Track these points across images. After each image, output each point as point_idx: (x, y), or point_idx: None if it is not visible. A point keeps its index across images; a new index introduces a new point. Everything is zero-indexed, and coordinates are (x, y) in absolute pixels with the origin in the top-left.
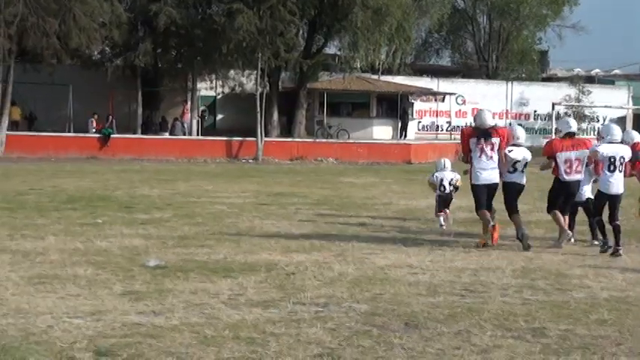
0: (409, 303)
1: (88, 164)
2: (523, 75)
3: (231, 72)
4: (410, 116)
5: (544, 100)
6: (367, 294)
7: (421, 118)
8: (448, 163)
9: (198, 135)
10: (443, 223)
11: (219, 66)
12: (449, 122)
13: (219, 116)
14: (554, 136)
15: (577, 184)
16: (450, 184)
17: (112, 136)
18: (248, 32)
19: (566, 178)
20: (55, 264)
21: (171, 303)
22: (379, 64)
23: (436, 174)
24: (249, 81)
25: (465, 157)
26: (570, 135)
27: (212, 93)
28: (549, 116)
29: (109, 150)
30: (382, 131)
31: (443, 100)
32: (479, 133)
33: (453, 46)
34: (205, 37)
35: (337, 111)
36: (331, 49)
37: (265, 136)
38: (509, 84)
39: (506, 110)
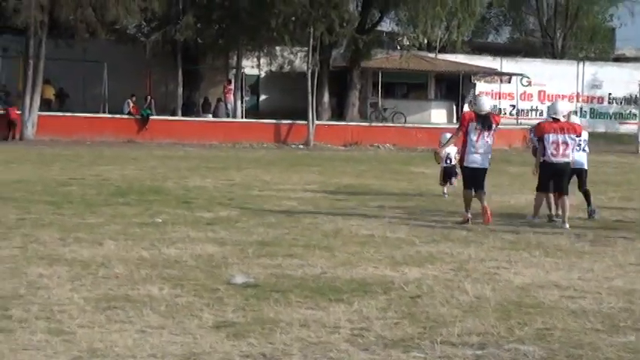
0: (593, 345)
1: (127, 149)
2: (592, 54)
3: (278, 49)
4: (469, 98)
5: (618, 82)
6: (528, 329)
7: None
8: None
9: (242, 117)
10: (446, 192)
11: (266, 42)
12: (513, 106)
13: (263, 97)
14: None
15: (565, 165)
16: (454, 157)
17: (150, 117)
18: (300, 4)
19: (553, 159)
20: (122, 280)
21: (281, 342)
22: (437, 41)
23: (445, 149)
24: (296, 59)
25: (455, 138)
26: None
27: (255, 72)
28: (626, 99)
29: (147, 133)
30: (441, 115)
31: (509, 82)
32: (480, 119)
33: (514, 22)
34: (252, 10)
35: (392, 92)
36: (386, 25)
37: (316, 119)
38: (581, 64)
39: (577, 93)
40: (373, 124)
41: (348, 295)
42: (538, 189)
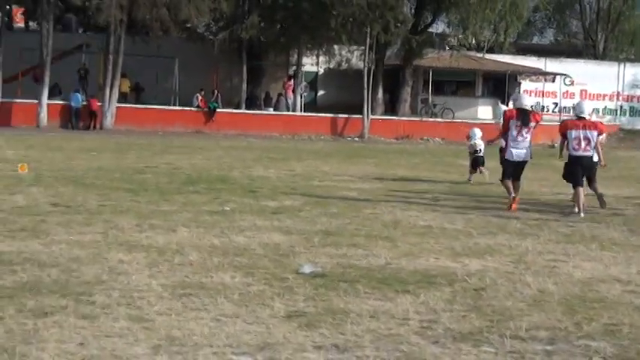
0: None
1: (195, 139)
2: (632, 56)
3: (336, 47)
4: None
5: None
6: (595, 325)
7: None
8: (479, 132)
9: (301, 111)
10: (472, 179)
11: (325, 41)
12: (555, 103)
13: (320, 92)
14: None
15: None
16: (482, 149)
17: (217, 110)
18: (358, 6)
19: (575, 153)
20: (196, 267)
21: (353, 333)
22: (485, 42)
23: (475, 141)
24: (353, 57)
25: (499, 136)
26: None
27: (314, 68)
28: None
29: (213, 125)
30: (487, 111)
31: (553, 81)
32: (520, 116)
33: (558, 25)
34: (313, 11)
35: (441, 89)
36: (438, 27)
37: (370, 113)
38: (621, 65)
39: (617, 92)
40: (424, 119)
41: (413, 287)
42: (572, 182)
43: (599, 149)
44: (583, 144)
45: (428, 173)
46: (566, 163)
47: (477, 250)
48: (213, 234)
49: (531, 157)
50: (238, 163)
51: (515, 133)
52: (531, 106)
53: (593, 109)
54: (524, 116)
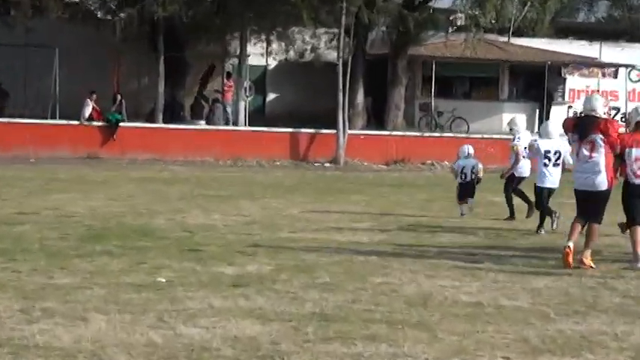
0: None
1: (89, 168)
2: None
3: (295, 30)
4: (557, 99)
5: None
6: None
7: (573, 101)
8: (471, 150)
9: (246, 125)
10: (464, 212)
11: (279, 20)
12: (617, 109)
13: (271, 95)
14: None
15: None
16: (471, 172)
17: (120, 124)
18: None
19: (636, 181)
20: None
21: None
22: (511, 20)
23: (459, 162)
24: (320, 44)
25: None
26: None
27: (261, 61)
28: None
29: (115, 146)
30: (518, 121)
31: (615, 76)
32: (578, 125)
33: None
34: None
35: (449, 90)
36: (444, 0)
37: (348, 127)
38: None
39: None
40: (425, 134)
41: None
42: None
43: None
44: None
45: (446, 215)
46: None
47: (565, 342)
48: (148, 324)
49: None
50: (162, 205)
51: (576, 151)
52: (607, 113)
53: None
54: (583, 125)
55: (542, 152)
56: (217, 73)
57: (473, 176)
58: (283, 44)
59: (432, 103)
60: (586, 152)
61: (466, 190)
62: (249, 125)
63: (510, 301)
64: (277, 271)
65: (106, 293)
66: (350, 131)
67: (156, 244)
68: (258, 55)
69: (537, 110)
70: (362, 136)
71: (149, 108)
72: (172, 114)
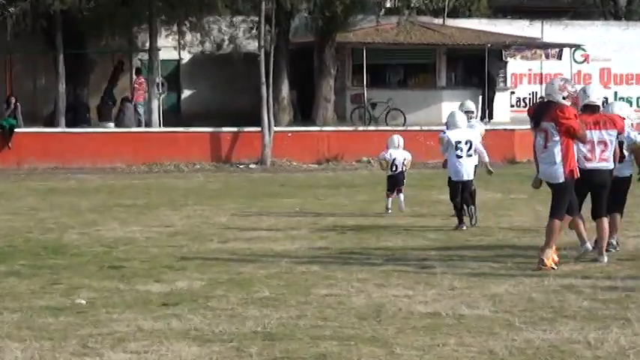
0: None
1: None
2: None
3: (210, 19)
4: (499, 84)
5: None
6: None
7: (515, 86)
8: (401, 141)
9: (160, 125)
10: (389, 206)
11: (193, 10)
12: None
13: (186, 92)
14: None
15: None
16: (402, 163)
17: (15, 130)
18: None
19: (587, 165)
20: None
21: None
22: (445, 1)
23: (390, 151)
24: (237, 33)
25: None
26: (592, 108)
27: (173, 55)
28: None
29: (10, 154)
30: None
31: (559, 57)
32: (534, 112)
33: None
34: None
35: (382, 79)
36: None
37: (273, 123)
38: None
39: None
40: (359, 128)
41: None
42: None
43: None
44: (598, 151)
45: (391, 217)
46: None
47: (534, 353)
48: (71, 351)
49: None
50: (73, 218)
51: (533, 140)
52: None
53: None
54: (537, 111)
55: (453, 144)
56: (125, 70)
57: (403, 167)
58: (198, 35)
59: (365, 94)
60: (541, 141)
61: (397, 181)
62: (163, 126)
63: (471, 309)
64: (210, 286)
65: (19, 318)
66: (276, 128)
67: (70, 261)
68: (170, 48)
69: (480, 97)
70: (289, 134)
71: (48, 111)
72: (76, 116)
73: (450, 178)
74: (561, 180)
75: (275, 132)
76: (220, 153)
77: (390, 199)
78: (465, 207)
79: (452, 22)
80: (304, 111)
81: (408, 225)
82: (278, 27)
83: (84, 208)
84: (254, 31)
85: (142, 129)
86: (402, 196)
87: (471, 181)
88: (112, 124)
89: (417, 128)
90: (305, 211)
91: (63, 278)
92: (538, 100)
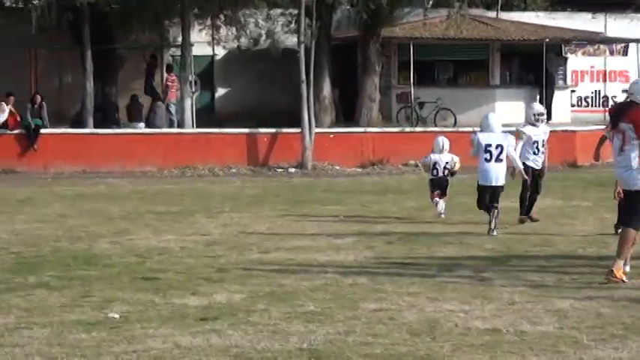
0: None
1: (6, 185)
2: None
3: (246, 13)
4: (558, 82)
5: None
6: None
7: (576, 84)
8: (447, 144)
9: (194, 126)
10: (441, 210)
11: (228, 3)
12: (626, 91)
13: (221, 91)
14: None
15: None
16: (445, 167)
17: (41, 131)
18: None
19: None
20: None
21: None
22: None
23: (431, 155)
24: (276, 27)
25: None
26: None
27: (207, 50)
28: None
29: (37, 156)
30: (513, 110)
31: (625, 53)
32: (614, 113)
33: None
34: None
35: (430, 76)
36: None
37: (315, 124)
38: None
39: None
40: (406, 129)
41: None
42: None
43: None
44: None
45: (444, 226)
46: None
47: None
48: None
49: None
50: (103, 226)
51: (613, 143)
52: None
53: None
54: (617, 112)
55: (483, 146)
56: (156, 66)
57: (445, 172)
58: (233, 30)
59: (412, 93)
60: (618, 144)
61: (439, 185)
62: (196, 127)
63: (533, 325)
64: (251, 299)
65: (50, 334)
66: (317, 129)
67: (102, 272)
68: (204, 43)
69: (537, 97)
70: (331, 135)
71: (75, 110)
72: (104, 117)
73: (478, 183)
74: (638, 187)
75: (316, 133)
76: (257, 156)
77: (438, 199)
78: (488, 213)
79: (506, 16)
80: (347, 111)
81: (462, 233)
82: (319, 21)
83: (114, 215)
84: (293, 25)
85: (174, 130)
86: (442, 201)
87: (501, 187)
88: (142, 125)
89: (469, 129)
90: (350, 219)
91: (94, 290)
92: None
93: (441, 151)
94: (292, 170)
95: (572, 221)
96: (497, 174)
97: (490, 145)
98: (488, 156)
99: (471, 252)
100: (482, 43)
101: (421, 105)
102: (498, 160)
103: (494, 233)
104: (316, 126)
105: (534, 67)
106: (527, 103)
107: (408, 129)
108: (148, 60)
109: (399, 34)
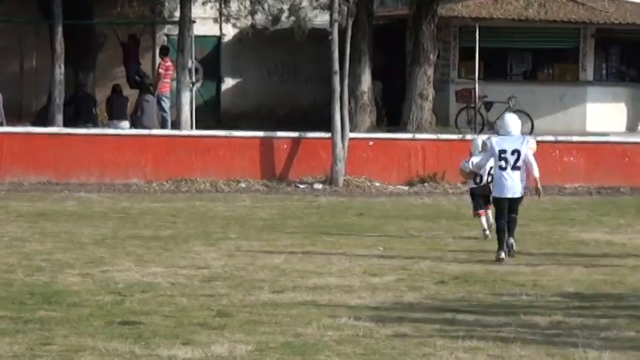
0: None
1: None
2: None
3: None
4: None
5: None
6: None
7: None
8: (488, 142)
9: (193, 128)
10: (486, 228)
11: None
12: None
13: (229, 82)
14: None
15: None
16: (489, 173)
17: None
18: None
19: None
20: None
21: None
22: None
23: (472, 159)
24: (301, 3)
25: None
26: None
27: (212, 30)
28: None
29: None
30: (610, 113)
31: None
32: None
33: None
34: None
35: (502, 69)
36: None
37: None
38: None
39: None
40: (467, 136)
41: None
42: None
43: None
44: None
45: (512, 263)
46: None
47: None
48: None
49: None
50: (71, 254)
51: None
52: None
53: None
54: None
55: (497, 152)
56: (146, 50)
57: (490, 178)
58: (246, 3)
59: (477, 90)
60: None
61: (483, 195)
62: (196, 128)
63: None
64: (260, 352)
65: None
66: (352, 134)
67: (67, 314)
68: (209, 20)
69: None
70: (370, 142)
71: (40, 104)
72: (77, 112)
73: (492, 195)
74: None
75: (350, 139)
76: (274, 167)
77: (484, 217)
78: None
79: None
80: (392, 111)
81: (537, 274)
82: None
83: (86, 239)
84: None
85: (167, 131)
86: (490, 215)
87: (520, 199)
88: (126, 124)
89: (551, 139)
90: (391, 252)
91: (57, 337)
92: None
93: (481, 152)
94: (319, 186)
95: None
96: (513, 184)
97: (505, 151)
98: (503, 163)
99: (545, 297)
100: (572, 28)
101: (488, 105)
102: (515, 167)
103: (508, 256)
104: (351, 130)
105: (639, 60)
106: (631, 105)
107: (469, 136)
108: (124, 41)
109: (462, 14)
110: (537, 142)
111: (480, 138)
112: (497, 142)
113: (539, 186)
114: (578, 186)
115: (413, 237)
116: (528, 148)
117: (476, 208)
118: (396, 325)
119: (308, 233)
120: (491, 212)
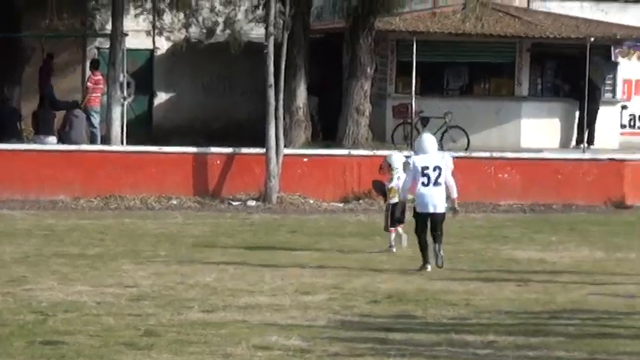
0: None
1: None
2: None
3: None
4: (603, 95)
5: None
6: None
7: (629, 99)
8: (401, 159)
9: (124, 143)
10: (393, 244)
11: None
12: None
13: (162, 96)
14: None
15: None
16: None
17: None
18: None
19: None
20: None
21: None
22: None
23: (395, 182)
24: (236, 15)
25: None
26: None
27: (144, 44)
28: None
29: None
30: (546, 129)
31: None
32: None
33: None
34: None
35: (438, 83)
36: None
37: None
38: None
39: None
40: (404, 152)
41: None
42: None
43: None
44: None
45: (445, 282)
46: None
47: None
48: None
49: None
50: None
51: None
52: None
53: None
54: None
55: (420, 169)
56: (76, 63)
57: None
58: (180, 16)
59: (414, 105)
60: None
61: (399, 210)
62: (127, 143)
63: None
64: None
65: None
66: (287, 150)
67: None
68: (142, 33)
69: (577, 113)
70: (305, 159)
71: None
72: (2, 127)
73: (415, 210)
74: None
75: (285, 155)
76: (207, 184)
77: (394, 233)
78: (433, 244)
79: (540, 5)
80: (327, 127)
81: (469, 292)
82: (294, 7)
83: (7, 257)
84: (260, 11)
85: (97, 147)
86: (402, 233)
87: (442, 214)
88: (53, 139)
89: (486, 155)
90: (323, 269)
91: None
92: None
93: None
94: (252, 203)
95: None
96: (435, 200)
97: (427, 168)
98: (425, 180)
99: (480, 315)
100: (508, 42)
101: (425, 121)
102: (437, 183)
103: (437, 266)
104: (286, 146)
105: (574, 75)
106: (565, 120)
107: (406, 152)
108: (44, 58)
109: (400, 27)
110: (472, 158)
111: (395, 154)
112: (419, 160)
113: (456, 206)
114: (513, 203)
115: (345, 254)
116: (447, 167)
117: (392, 224)
118: (327, 344)
119: (240, 251)
120: (401, 229)
